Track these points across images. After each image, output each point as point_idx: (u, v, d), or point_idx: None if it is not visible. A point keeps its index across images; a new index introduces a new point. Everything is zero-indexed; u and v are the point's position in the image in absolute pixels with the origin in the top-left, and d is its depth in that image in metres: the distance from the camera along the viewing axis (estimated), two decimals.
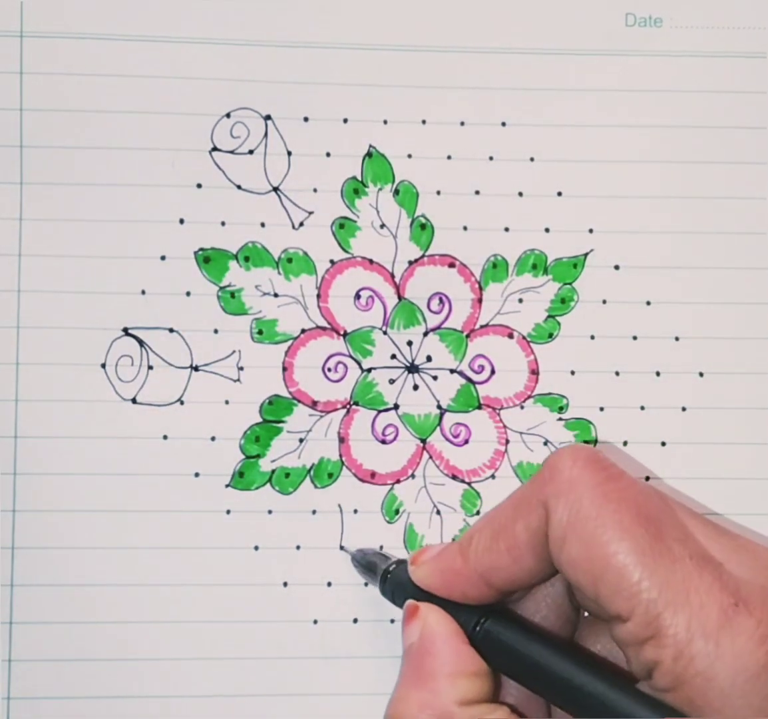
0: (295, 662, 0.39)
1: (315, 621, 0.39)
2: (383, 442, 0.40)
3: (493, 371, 0.40)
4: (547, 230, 0.40)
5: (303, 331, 0.40)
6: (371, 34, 0.40)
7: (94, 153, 0.39)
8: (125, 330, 0.39)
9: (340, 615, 0.39)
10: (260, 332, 0.39)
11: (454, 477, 0.40)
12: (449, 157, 0.40)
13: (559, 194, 0.40)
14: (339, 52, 0.40)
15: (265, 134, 0.40)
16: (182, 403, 0.39)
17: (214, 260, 0.39)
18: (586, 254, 0.40)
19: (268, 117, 0.40)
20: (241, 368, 0.39)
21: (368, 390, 0.40)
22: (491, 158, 0.40)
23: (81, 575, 0.38)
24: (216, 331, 0.39)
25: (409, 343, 0.40)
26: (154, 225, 0.39)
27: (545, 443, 0.40)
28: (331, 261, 0.40)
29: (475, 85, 0.40)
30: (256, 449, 0.39)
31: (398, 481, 0.40)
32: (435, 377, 0.40)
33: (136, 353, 0.39)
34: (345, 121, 0.40)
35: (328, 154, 0.40)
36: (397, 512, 0.40)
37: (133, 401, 0.39)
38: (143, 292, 0.39)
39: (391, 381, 0.40)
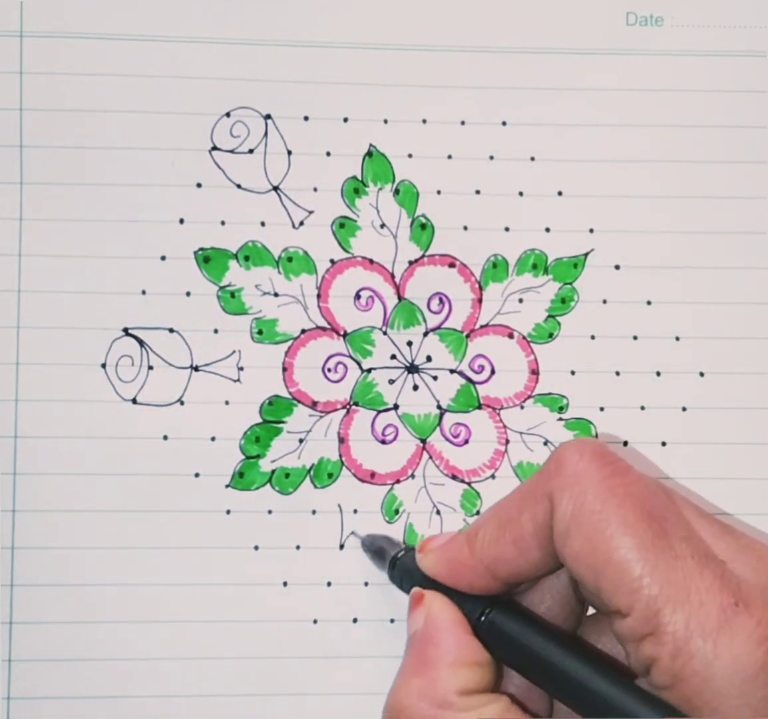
0: (295, 662, 0.39)
1: (315, 621, 0.39)
2: (383, 442, 0.40)
3: (493, 371, 0.40)
4: (547, 229, 0.40)
5: (303, 331, 0.40)
6: (371, 33, 0.40)
7: (94, 153, 0.39)
8: (125, 330, 0.39)
9: (340, 615, 0.39)
10: (260, 332, 0.39)
11: (454, 477, 0.40)
12: (449, 157, 0.40)
13: (560, 193, 0.40)
14: (339, 52, 0.40)
15: (265, 134, 0.40)
16: (182, 403, 0.39)
17: (214, 259, 0.39)
18: (586, 254, 0.40)
19: (268, 116, 0.40)
20: (241, 368, 0.39)
21: (368, 390, 0.40)
22: (492, 158, 0.40)
23: (81, 575, 0.38)
24: (216, 331, 0.39)
25: (409, 343, 0.40)
26: (154, 225, 0.39)
27: (545, 443, 0.40)
28: (332, 261, 0.40)
29: (475, 84, 0.40)
30: (256, 449, 0.39)
31: (398, 481, 0.40)
32: (435, 377, 0.40)
33: (136, 353, 0.39)
34: (345, 120, 0.40)
35: (328, 154, 0.40)
36: (396, 512, 0.40)
37: (134, 401, 0.39)
38: (143, 292, 0.39)
39: (391, 381, 0.40)
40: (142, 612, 0.38)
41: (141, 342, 0.39)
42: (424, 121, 0.40)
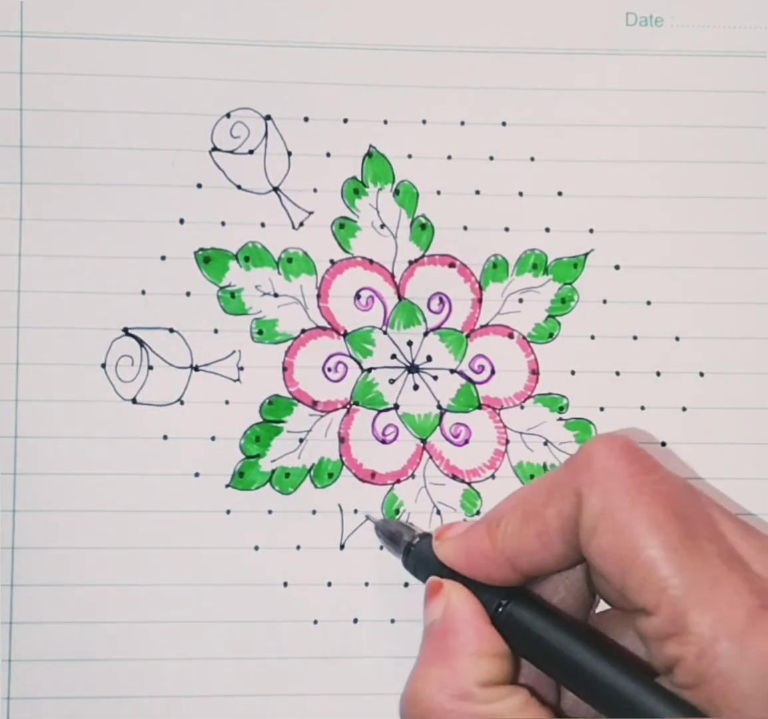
0: (295, 662, 0.39)
1: (315, 621, 0.39)
2: (383, 442, 0.40)
3: (493, 371, 0.40)
4: (547, 229, 0.40)
5: (303, 331, 0.40)
6: (371, 34, 0.40)
7: (94, 153, 0.39)
8: (125, 330, 0.39)
9: (340, 615, 0.39)
10: (260, 332, 0.39)
11: (454, 477, 0.40)
12: (449, 157, 0.40)
13: (560, 193, 0.40)
14: (339, 52, 0.40)
15: (265, 134, 0.40)
16: (182, 403, 0.39)
17: (214, 260, 0.39)
18: (586, 254, 0.40)
19: (268, 117, 0.40)
20: (241, 368, 0.39)
21: (368, 390, 0.40)
22: (491, 158, 0.40)
23: (81, 575, 0.38)
24: (216, 331, 0.39)
25: (409, 343, 0.40)
26: (154, 225, 0.39)
27: (545, 443, 0.40)
28: (331, 261, 0.40)
29: (475, 85, 0.40)
30: (256, 449, 0.39)
31: (398, 481, 0.40)
32: (435, 377, 0.40)
33: (136, 353, 0.39)
34: (345, 121, 0.40)
35: (328, 155, 0.40)
36: (397, 512, 0.40)
37: (133, 401, 0.39)
38: (143, 292, 0.39)
39: (391, 381, 0.40)
40: (142, 612, 0.38)
41: (141, 342, 0.39)
42: (424, 121, 0.40)
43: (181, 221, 0.39)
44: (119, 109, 0.39)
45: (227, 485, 0.39)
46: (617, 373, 0.40)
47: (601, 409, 0.40)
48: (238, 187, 0.40)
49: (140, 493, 0.39)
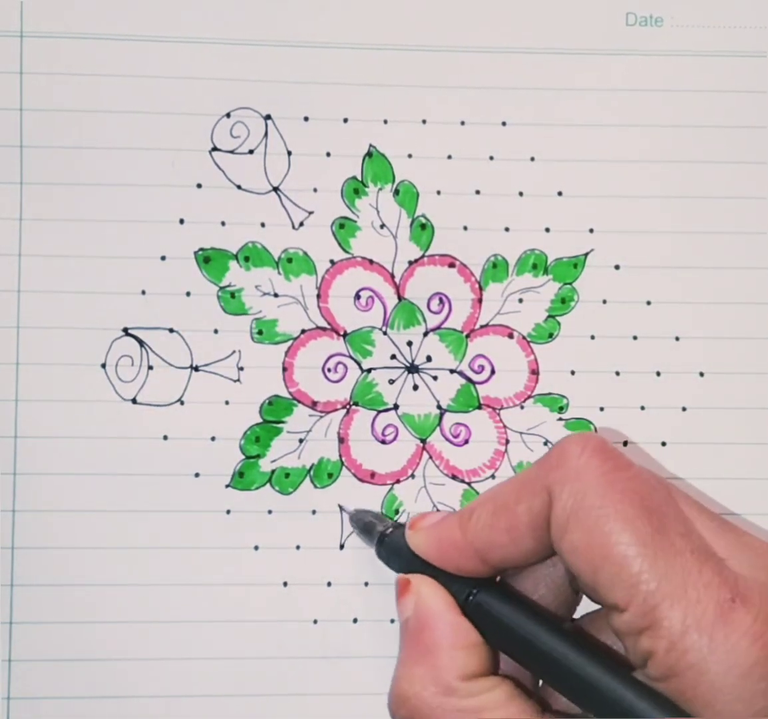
0: (295, 662, 0.39)
1: (315, 621, 0.39)
2: (383, 442, 0.40)
3: (493, 371, 0.40)
4: (547, 229, 0.40)
5: (303, 331, 0.40)
6: (371, 34, 0.40)
7: (94, 153, 0.39)
8: (125, 330, 0.39)
9: (340, 615, 0.39)
10: (260, 332, 0.39)
11: (454, 477, 0.40)
12: (449, 157, 0.40)
13: (560, 193, 0.40)
14: (339, 52, 0.40)
15: (265, 134, 0.40)
16: (182, 403, 0.39)
17: (214, 260, 0.39)
18: (586, 254, 0.40)
19: (268, 117, 0.40)
20: (241, 369, 0.39)
21: (368, 390, 0.40)
22: (491, 158, 0.40)
23: (81, 575, 0.38)
24: (216, 331, 0.39)
25: (409, 343, 0.40)
26: (154, 225, 0.39)
27: (545, 443, 0.40)
28: (331, 261, 0.40)
29: (475, 85, 0.40)
30: (256, 449, 0.39)
31: (398, 481, 0.40)
32: (435, 377, 0.40)
33: (136, 353, 0.39)
34: (345, 121, 0.40)
35: (328, 154, 0.40)
36: (397, 512, 0.40)
37: (133, 401, 0.39)
38: (143, 292, 0.39)
39: (391, 381, 0.40)
40: (142, 612, 0.38)
41: (141, 342, 0.39)
42: (424, 121, 0.40)
43: (181, 221, 0.39)
44: (119, 109, 0.39)
45: (227, 486, 0.39)
46: (617, 373, 0.40)
47: (601, 409, 0.40)
48: (238, 187, 0.40)
49: (140, 493, 0.39)
